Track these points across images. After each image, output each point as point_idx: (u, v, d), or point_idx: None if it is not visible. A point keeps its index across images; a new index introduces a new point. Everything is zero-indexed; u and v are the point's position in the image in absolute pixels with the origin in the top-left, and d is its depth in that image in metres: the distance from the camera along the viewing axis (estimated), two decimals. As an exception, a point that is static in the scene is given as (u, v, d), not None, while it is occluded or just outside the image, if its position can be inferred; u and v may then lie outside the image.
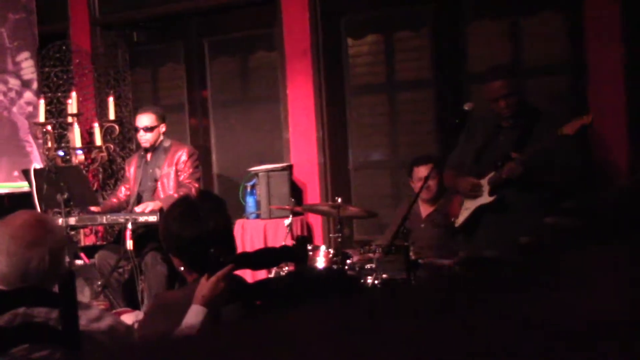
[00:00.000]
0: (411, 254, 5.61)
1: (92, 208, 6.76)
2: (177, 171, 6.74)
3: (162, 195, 6.69)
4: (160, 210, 6.37)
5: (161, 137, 6.84)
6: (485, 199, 5.24)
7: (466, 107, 5.32)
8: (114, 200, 7.00)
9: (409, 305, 0.98)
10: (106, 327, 2.91)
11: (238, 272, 3.11)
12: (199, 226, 3.14)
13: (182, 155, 6.77)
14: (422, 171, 6.30)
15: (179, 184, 6.71)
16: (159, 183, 6.75)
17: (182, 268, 3.23)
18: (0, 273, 2.85)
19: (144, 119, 6.77)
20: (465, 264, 5.24)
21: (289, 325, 0.99)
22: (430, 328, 0.90)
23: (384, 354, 0.86)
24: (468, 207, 5.33)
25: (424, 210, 6.43)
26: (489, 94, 5.29)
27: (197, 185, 6.74)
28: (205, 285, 2.92)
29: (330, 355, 0.88)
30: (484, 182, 5.26)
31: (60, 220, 6.39)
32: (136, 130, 6.90)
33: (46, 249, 2.82)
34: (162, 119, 6.84)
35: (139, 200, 6.80)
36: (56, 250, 2.87)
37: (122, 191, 7.02)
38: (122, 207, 6.89)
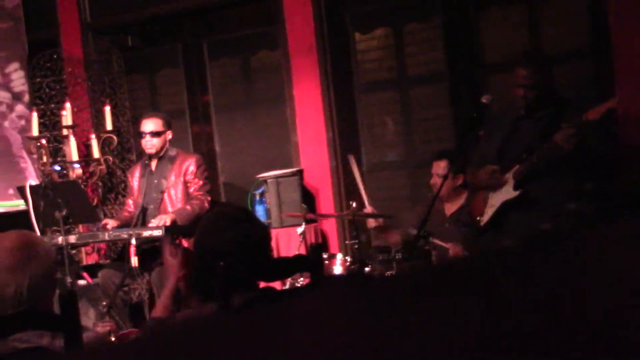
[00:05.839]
0: (433, 258, 5.59)
1: (106, 222, 6.72)
2: (185, 182, 6.69)
3: (169, 208, 6.64)
4: (174, 222, 6.34)
5: (167, 145, 6.80)
6: (510, 193, 5.21)
7: (484, 99, 5.30)
8: (126, 214, 6.96)
9: (421, 288, 1.01)
10: None
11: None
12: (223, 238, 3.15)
13: (190, 165, 6.72)
14: (437, 166, 6.30)
15: (188, 196, 6.67)
16: (165, 195, 6.70)
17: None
18: None
19: (150, 124, 6.73)
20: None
21: (301, 307, 1.03)
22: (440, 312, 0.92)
23: (396, 335, 0.89)
24: (493, 204, 5.30)
25: (448, 208, 6.38)
26: (514, 79, 5.29)
27: (209, 198, 6.70)
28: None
29: (343, 336, 0.91)
30: (509, 177, 5.23)
31: (59, 239, 6.37)
32: (140, 136, 6.85)
33: (26, 275, 2.78)
34: (168, 125, 6.80)
35: (144, 213, 6.77)
36: (38, 277, 2.82)
37: (130, 204, 6.98)
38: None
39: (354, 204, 6.21)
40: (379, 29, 7.75)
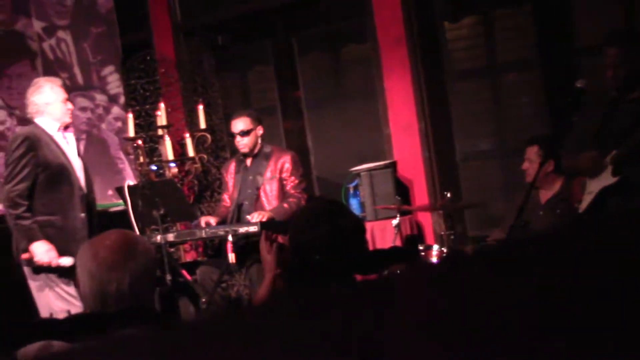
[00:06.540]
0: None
1: (204, 219, 6.80)
2: (280, 179, 6.72)
3: (266, 205, 6.68)
4: (271, 220, 6.38)
5: (259, 142, 6.84)
6: (609, 179, 5.11)
7: (578, 84, 5.21)
8: (223, 209, 7.03)
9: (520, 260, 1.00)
10: None
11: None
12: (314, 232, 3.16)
13: (286, 162, 6.74)
14: (529, 151, 6.23)
15: (284, 194, 6.70)
16: (261, 191, 6.75)
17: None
18: (82, 294, 2.88)
19: (239, 124, 6.79)
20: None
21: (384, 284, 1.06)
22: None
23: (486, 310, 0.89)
24: (591, 191, 5.20)
25: (543, 195, 6.30)
26: (604, 59, 5.19)
27: (306, 195, 6.73)
28: None
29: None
30: (606, 162, 5.13)
31: (158, 237, 6.48)
32: (232, 136, 6.92)
33: (126, 273, 2.83)
34: (257, 121, 6.84)
35: (239, 209, 6.83)
36: (138, 275, 2.86)
37: (226, 199, 7.05)
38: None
39: (449, 195, 6.18)
40: (468, 17, 7.68)
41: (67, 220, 5.65)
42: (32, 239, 5.55)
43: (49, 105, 5.74)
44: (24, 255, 5.58)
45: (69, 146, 5.81)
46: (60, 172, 5.67)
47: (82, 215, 5.72)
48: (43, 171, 5.61)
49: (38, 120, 5.74)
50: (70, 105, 5.86)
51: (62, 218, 5.65)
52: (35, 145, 5.61)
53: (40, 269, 5.61)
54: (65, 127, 5.83)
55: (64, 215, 5.66)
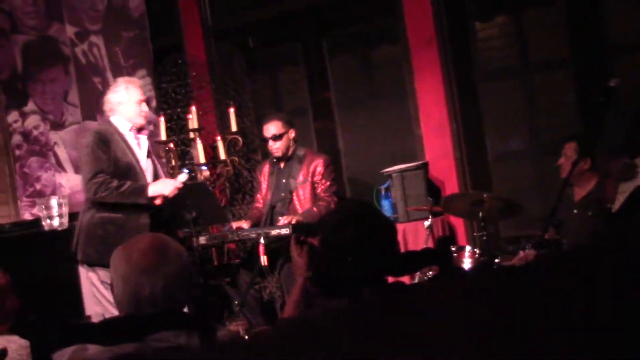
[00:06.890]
0: (564, 247, 5.50)
1: (235, 225, 6.82)
2: (312, 182, 6.73)
3: (299, 208, 6.69)
4: (302, 223, 6.39)
5: (292, 145, 6.85)
6: (642, 179, 5.09)
7: (612, 83, 5.17)
8: (256, 211, 7.05)
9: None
10: None
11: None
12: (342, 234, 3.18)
13: (318, 166, 6.75)
14: (567, 148, 6.19)
15: (316, 197, 6.71)
16: (294, 195, 6.75)
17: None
18: (117, 298, 2.91)
19: (271, 128, 6.80)
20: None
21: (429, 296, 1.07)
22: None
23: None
24: (624, 190, 5.18)
25: (578, 193, 6.25)
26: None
27: (336, 199, 6.73)
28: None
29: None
30: (639, 161, 5.11)
31: (192, 240, 6.51)
32: (264, 141, 6.93)
33: (160, 276, 2.85)
34: (289, 124, 6.84)
35: (272, 211, 6.84)
36: (172, 278, 2.88)
37: (259, 199, 7.06)
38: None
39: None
40: (499, 17, 7.66)
41: (130, 219, 5.72)
42: (144, 188, 5.71)
43: (121, 104, 5.86)
44: (157, 202, 5.73)
45: (140, 147, 5.90)
46: (127, 171, 5.76)
47: (146, 215, 5.79)
48: (111, 167, 5.70)
49: (112, 119, 5.87)
50: (145, 108, 5.95)
51: (125, 217, 5.73)
52: (105, 141, 5.71)
53: (92, 264, 5.68)
54: (140, 130, 5.93)
55: (127, 214, 5.73)
